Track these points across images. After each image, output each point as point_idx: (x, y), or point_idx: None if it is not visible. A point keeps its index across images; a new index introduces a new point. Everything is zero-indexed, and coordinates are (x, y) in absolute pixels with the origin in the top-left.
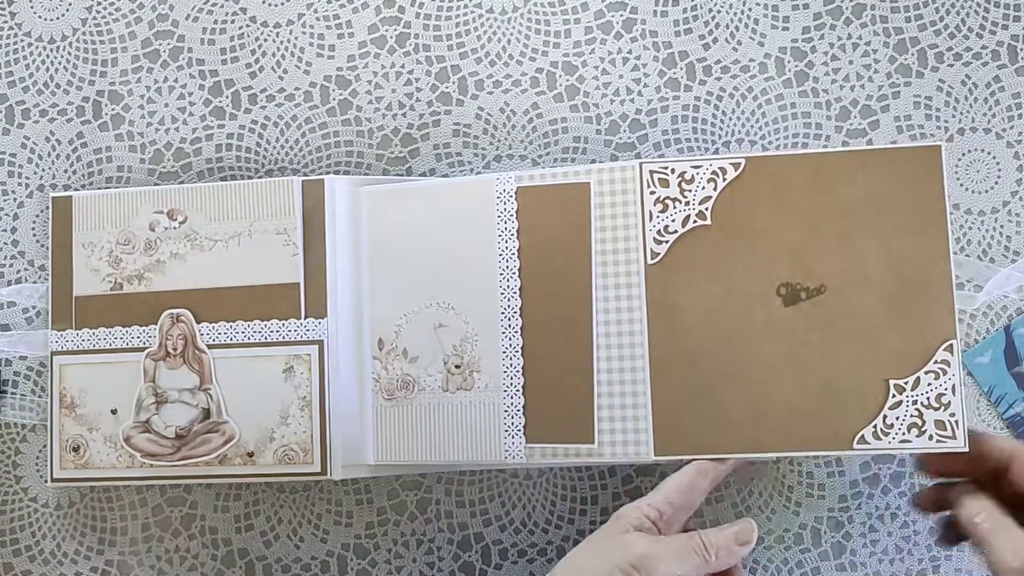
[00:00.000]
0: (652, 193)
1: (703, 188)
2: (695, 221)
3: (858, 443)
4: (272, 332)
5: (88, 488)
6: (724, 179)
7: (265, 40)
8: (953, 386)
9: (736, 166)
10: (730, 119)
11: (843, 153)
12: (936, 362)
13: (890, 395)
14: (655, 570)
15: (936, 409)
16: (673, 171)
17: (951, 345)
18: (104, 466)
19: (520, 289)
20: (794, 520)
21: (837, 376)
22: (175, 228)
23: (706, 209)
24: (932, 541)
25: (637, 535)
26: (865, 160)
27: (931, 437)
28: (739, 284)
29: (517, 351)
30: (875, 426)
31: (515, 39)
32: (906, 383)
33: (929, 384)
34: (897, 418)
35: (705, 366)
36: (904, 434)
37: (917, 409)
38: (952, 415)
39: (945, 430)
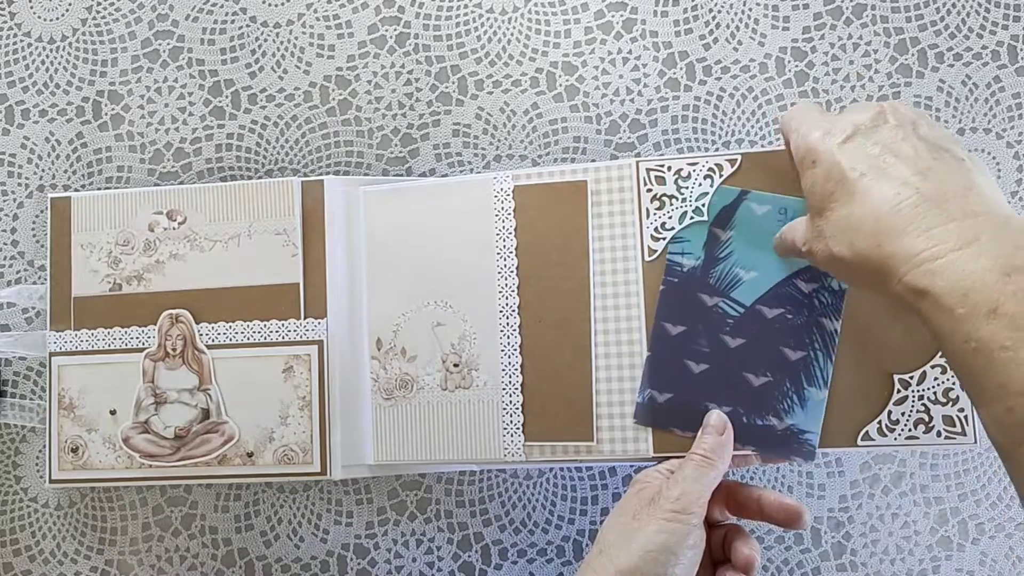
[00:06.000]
0: (649, 191)
1: (699, 185)
2: (692, 217)
3: (862, 440)
4: (271, 332)
5: (88, 488)
6: (720, 175)
7: (265, 40)
8: None
9: (732, 162)
10: (730, 119)
11: None
12: (943, 356)
13: (895, 390)
14: (691, 503)
15: (944, 404)
16: (669, 168)
17: None
18: (103, 467)
19: (518, 287)
20: None
21: (839, 371)
22: (174, 229)
23: (703, 205)
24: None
25: (662, 484)
26: None
27: (939, 433)
28: None
29: (515, 349)
30: (880, 422)
31: (515, 39)
32: (912, 377)
33: (936, 378)
34: (903, 414)
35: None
36: (910, 430)
37: (924, 404)
38: (961, 410)
39: (954, 426)
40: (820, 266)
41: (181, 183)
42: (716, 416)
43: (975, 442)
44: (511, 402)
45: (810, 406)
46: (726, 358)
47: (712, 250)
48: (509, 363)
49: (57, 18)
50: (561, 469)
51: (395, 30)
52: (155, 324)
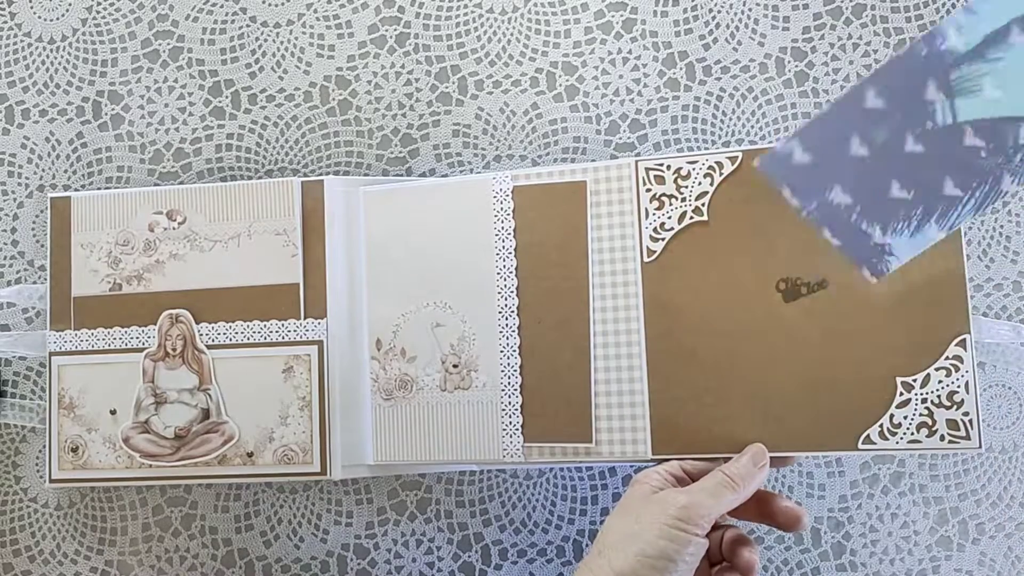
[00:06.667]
0: (648, 190)
1: (699, 184)
2: (691, 217)
3: (863, 443)
4: (271, 332)
5: (88, 488)
6: (720, 174)
7: (265, 40)
8: (967, 383)
9: (733, 160)
10: (730, 119)
11: None
12: (948, 358)
13: (898, 393)
14: (700, 516)
15: (948, 408)
16: (669, 167)
17: (964, 340)
18: (103, 467)
19: (517, 288)
20: None
21: (841, 373)
22: (174, 229)
23: (703, 205)
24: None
25: (671, 490)
26: None
27: (943, 437)
28: (737, 280)
29: (515, 350)
30: (881, 425)
31: (515, 39)
32: (915, 380)
33: (940, 381)
34: (905, 417)
35: (703, 364)
36: (913, 434)
37: (927, 408)
38: (966, 414)
39: (958, 430)
40: None
41: (181, 183)
42: (759, 449)
43: (979, 446)
44: (510, 403)
45: (918, 239)
46: (890, 157)
47: (988, 46)
48: (508, 364)
49: (57, 18)
50: (561, 469)
51: (395, 30)
52: (155, 324)
